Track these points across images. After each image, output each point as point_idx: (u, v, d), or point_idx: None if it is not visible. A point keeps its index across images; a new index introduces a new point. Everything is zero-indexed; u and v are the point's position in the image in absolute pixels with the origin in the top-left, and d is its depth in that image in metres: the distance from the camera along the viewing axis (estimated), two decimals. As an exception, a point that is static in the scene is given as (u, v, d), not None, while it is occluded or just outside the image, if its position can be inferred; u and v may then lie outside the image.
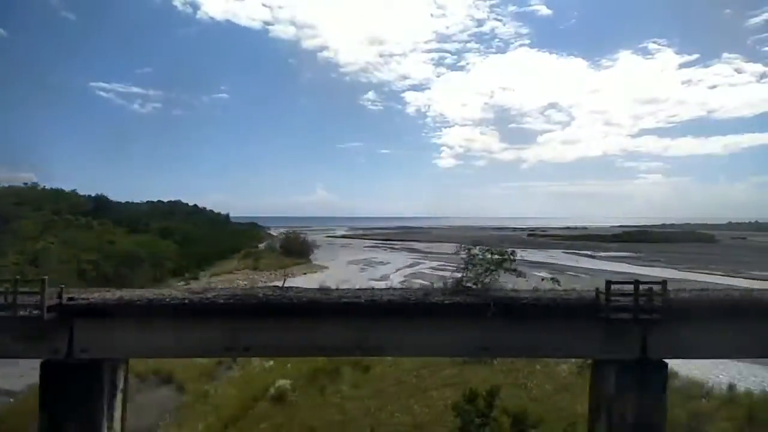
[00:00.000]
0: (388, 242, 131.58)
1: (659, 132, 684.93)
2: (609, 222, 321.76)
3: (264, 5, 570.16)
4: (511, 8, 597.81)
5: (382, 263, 72.07)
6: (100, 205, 60.48)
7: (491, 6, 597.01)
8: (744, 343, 9.87)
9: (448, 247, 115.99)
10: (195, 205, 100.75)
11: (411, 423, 14.00)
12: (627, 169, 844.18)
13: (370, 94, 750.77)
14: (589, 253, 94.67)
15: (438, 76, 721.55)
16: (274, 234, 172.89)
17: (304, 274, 57.40)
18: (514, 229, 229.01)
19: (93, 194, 61.95)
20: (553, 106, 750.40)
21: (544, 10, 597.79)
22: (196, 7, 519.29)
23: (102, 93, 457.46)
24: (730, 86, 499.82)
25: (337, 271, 61.41)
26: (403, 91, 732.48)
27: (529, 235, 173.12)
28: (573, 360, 17.97)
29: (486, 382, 16.97)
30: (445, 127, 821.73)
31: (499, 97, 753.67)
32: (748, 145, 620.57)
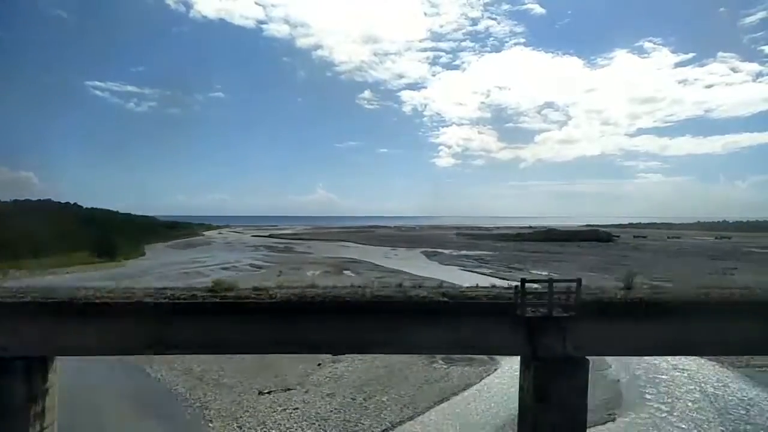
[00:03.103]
0: (293, 242, 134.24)
1: (657, 131, 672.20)
2: (607, 221, 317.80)
3: (257, 3, 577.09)
4: (505, 7, 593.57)
5: (194, 262, 74.20)
6: None
7: (485, 5, 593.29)
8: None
9: (330, 245, 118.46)
10: (75, 204, 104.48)
11: None
12: (626, 168, 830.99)
13: (366, 93, 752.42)
14: (446, 252, 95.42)
15: (434, 75, 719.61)
16: (203, 234, 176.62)
17: (67, 273, 59.81)
18: (480, 228, 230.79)
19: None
20: (549, 105, 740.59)
21: (538, 9, 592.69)
22: (188, 6, 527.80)
23: (98, 92, 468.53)
24: (727, 85, 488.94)
25: (119, 271, 63.96)
26: (399, 90, 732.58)
27: (457, 234, 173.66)
28: None
29: None
30: (443, 126, 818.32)
31: (496, 96, 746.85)
32: (747, 145, 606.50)
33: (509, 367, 23.42)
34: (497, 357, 24.23)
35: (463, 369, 23.00)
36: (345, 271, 63.87)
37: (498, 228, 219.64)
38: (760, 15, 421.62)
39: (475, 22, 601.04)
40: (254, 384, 20.75)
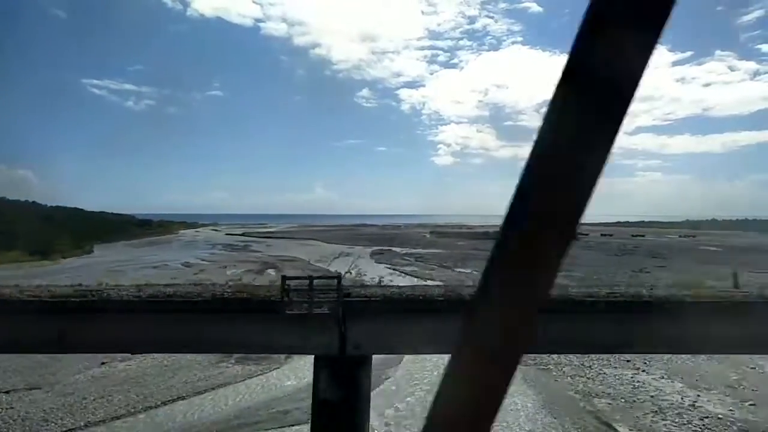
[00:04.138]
0: (261, 240, 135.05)
1: (656, 130, 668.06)
2: (602, 219, 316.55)
3: (254, 2, 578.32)
4: (502, 5, 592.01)
5: (133, 261, 74.82)
6: None
7: (482, 3, 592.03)
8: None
9: (292, 243, 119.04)
10: (34, 202, 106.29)
11: None
12: (625, 166, 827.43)
13: (365, 92, 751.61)
14: (396, 250, 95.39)
15: (431, 74, 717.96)
16: (177, 233, 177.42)
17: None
18: (463, 226, 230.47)
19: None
20: (547, 104, 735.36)
21: (535, 8, 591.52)
22: (185, 4, 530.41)
23: (95, 90, 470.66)
24: (724, 84, 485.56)
25: (42, 270, 64.60)
26: (398, 89, 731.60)
27: (431, 232, 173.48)
28: None
29: None
30: (441, 125, 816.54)
31: (494, 94, 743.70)
32: (746, 143, 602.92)
33: (291, 366, 23.44)
34: (297, 356, 24.25)
35: (243, 368, 22.99)
36: (268, 270, 63.95)
37: (483, 226, 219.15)
38: (757, 13, 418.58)
39: (472, 20, 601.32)
40: (15, 383, 20.84)
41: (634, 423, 17.07)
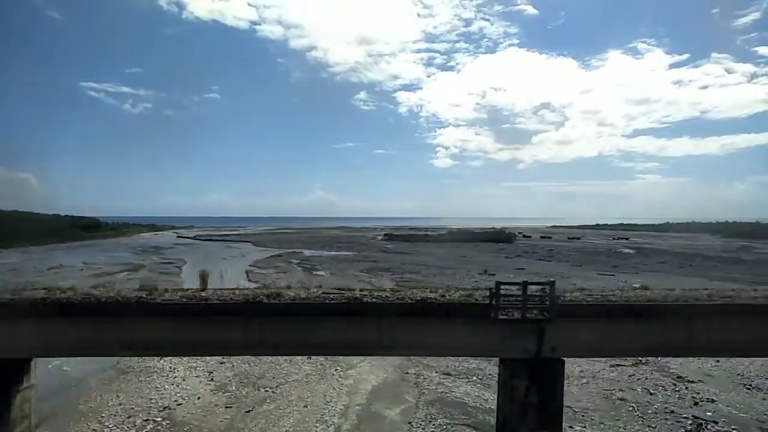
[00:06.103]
0: (199, 242, 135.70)
1: (654, 132, 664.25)
2: (595, 222, 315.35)
3: (250, 5, 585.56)
4: (498, 8, 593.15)
5: (21, 264, 75.26)
6: None
7: (478, 6, 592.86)
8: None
9: (221, 246, 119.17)
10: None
11: None
12: (624, 169, 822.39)
13: (362, 94, 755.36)
14: (306, 253, 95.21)
15: (428, 76, 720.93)
16: (128, 236, 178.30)
17: None
18: (430, 228, 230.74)
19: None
20: (545, 106, 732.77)
21: (531, 10, 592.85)
22: (181, 7, 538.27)
23: (92, 93, 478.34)
24: (722, 87, 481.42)
25: None
26: (395, 91, 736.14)
27: (384, 235, 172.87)
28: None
29: None
30: (439, 128, 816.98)
31: (491, 97, 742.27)
32: (745, 146, 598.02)
33: None
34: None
35: None
36: (132, 273, 63.88)
37: (460, 229, 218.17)
38: (753, 16, 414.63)
39: (468, 23, 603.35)
40: None
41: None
